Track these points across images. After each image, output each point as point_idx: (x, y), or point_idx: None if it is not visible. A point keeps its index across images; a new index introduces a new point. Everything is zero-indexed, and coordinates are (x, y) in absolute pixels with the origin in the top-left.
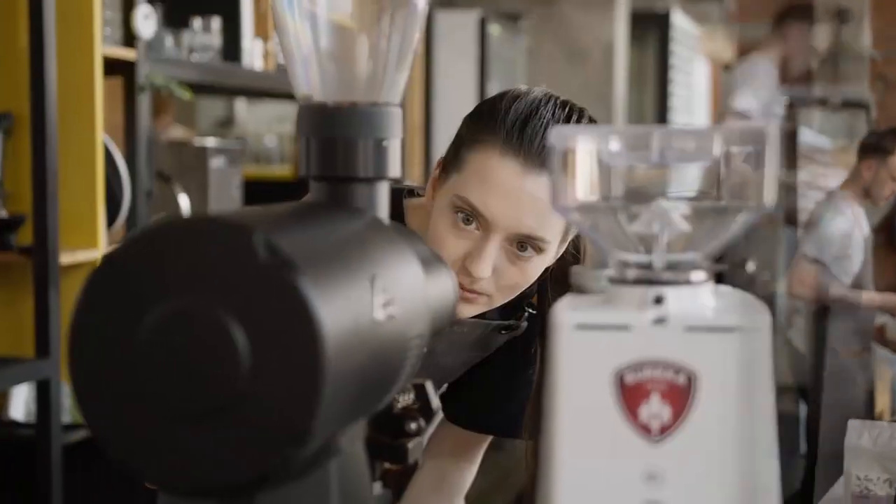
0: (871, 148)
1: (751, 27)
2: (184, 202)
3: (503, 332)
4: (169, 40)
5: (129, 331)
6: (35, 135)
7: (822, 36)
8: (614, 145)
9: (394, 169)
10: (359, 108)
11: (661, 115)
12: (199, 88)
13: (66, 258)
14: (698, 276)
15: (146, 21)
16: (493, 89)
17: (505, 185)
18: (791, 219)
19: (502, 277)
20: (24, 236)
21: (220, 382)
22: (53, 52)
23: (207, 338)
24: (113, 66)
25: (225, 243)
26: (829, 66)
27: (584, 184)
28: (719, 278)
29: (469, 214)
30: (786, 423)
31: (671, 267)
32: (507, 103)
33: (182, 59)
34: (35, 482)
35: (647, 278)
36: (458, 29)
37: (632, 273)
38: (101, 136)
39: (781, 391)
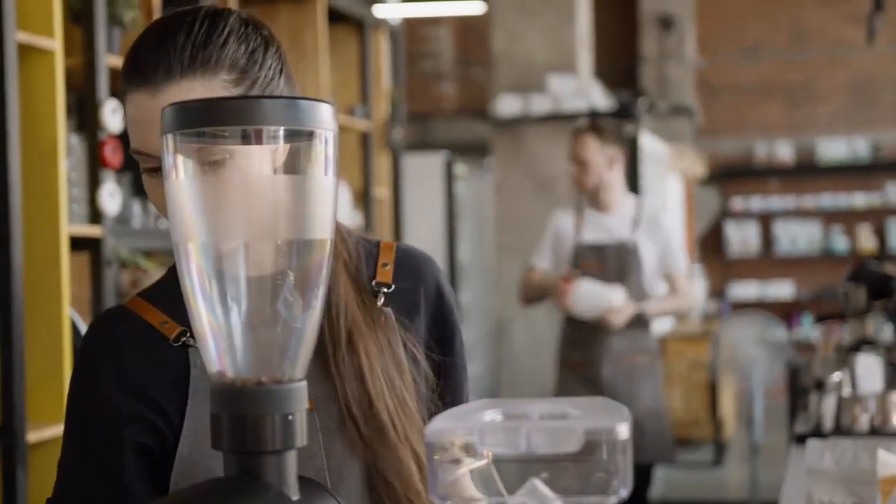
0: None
1: (721, 141)
2: None
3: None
4: (137, 208)
5: None
6: (2, 315)
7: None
8: (487, 439)
9: (301, 438)
10: (265, 386)
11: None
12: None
13: (33, 436)
14: None
15: (112, 198)
16: (460, 226)
17: (148, 115)
18: None
19: None
20: None
21: None
22: (20, 233)
23: None
24: (80, 242)
25: None
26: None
27: (458, 473)
28: None
29: (147, 161)
30: None
31: None
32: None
33: (149, 227)
34: None
35: None
36: (426, 170)
37: None
38: (67, 313)
39: None
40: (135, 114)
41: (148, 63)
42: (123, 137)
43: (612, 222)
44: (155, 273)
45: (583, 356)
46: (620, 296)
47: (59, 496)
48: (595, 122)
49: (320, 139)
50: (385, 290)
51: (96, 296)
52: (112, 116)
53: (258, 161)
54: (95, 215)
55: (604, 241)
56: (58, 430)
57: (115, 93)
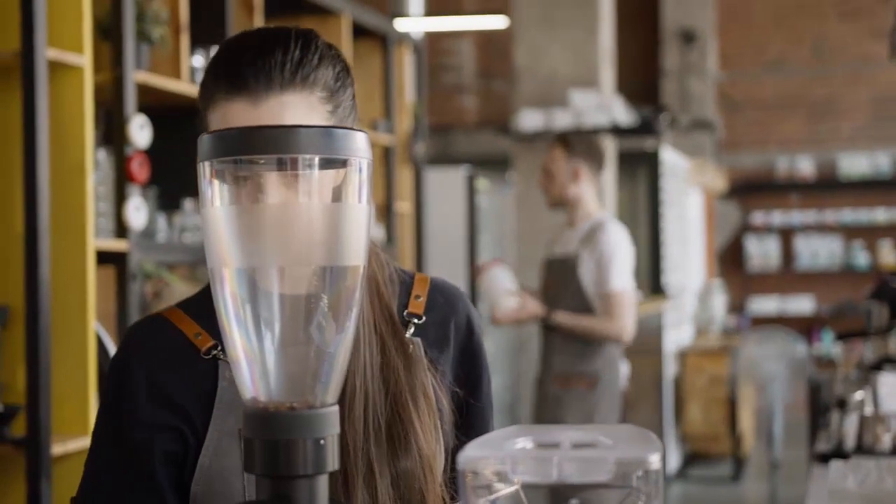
0: None
1: (742, 156)
2: None
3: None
4: (162, 222)
5: None
6: (29, 328)
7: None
8: (519, 467)
9: (332, 462)
10: (297, 411)
11: (655, 249)
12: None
13: (57, 448)
14: None
15: (137, 213)
16: (482, 239)
17: (242, 123)
18: None
19: None
20: (18, 427)
21: None
22: (48, 247)
23: None
24: (105, 256)
25: None
26: None
27: (491, 498)
28: None
29: None
30: None
31: None
32: (215, 56)
33: (174, 242)
34: None
35: None
36: (447, 183)
37: None
38: (93, 327)
39: None
40: (226, 122)
41: (247, 74)
42: (150, 152)
43: (569, 237)
44: (176, 285)
45: (538, 372)
46: (511, 301)
47: (86, 498)
48: (566, 135)
49: (355, 167)
50: (416, 320)
51: (121, 309)
52: (139, 132)
53: (293, 189)
54: (121, 229)
55: (556, 256)
56: (82, 442)
57: (144, 109)
